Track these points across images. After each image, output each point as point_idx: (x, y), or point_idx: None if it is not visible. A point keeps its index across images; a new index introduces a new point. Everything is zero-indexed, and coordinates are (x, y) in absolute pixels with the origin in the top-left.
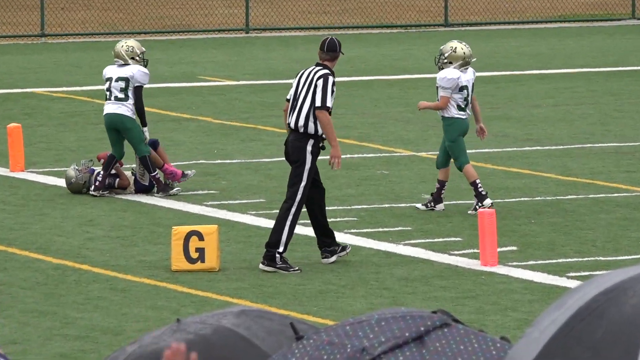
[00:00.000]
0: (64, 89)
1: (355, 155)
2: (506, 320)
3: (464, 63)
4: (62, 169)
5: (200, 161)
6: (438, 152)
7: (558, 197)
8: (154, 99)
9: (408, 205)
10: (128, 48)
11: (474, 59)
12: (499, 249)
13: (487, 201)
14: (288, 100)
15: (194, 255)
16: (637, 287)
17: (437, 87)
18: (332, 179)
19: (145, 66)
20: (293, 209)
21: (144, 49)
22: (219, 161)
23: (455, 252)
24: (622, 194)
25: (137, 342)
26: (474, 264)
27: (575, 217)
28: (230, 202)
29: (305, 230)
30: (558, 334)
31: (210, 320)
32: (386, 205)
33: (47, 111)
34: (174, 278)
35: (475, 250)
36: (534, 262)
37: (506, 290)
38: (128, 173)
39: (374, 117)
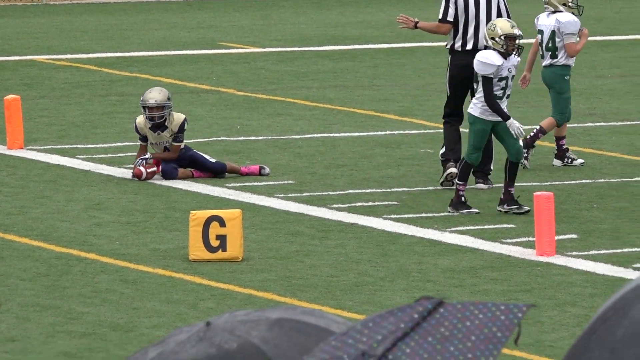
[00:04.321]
0: (68, 56)
1: (396, 132)
2: (564, 317)
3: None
4: (65, 146)
5: (222, 138)
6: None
7: (624, 179)
8: (170, 68)
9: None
10: None
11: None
12: (556, 237)
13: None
14: (449, 22)
15: (215, 243)
16: None
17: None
18: (369, 158)
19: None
20: None
21: None
22: (243, 138)
23: (508, 241)
24: None
25: (161, 345)
26: (529, 254)
27: None
28: (255, 183)
29: (339, 215)
30: (584, 336)
31: (240, 330)
32: (430, 188)
33: (48, 81)
34: (192, 269)
35: (531, 239)
36: (596, 252)
37: (565, 283)
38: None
39: (417, 88)
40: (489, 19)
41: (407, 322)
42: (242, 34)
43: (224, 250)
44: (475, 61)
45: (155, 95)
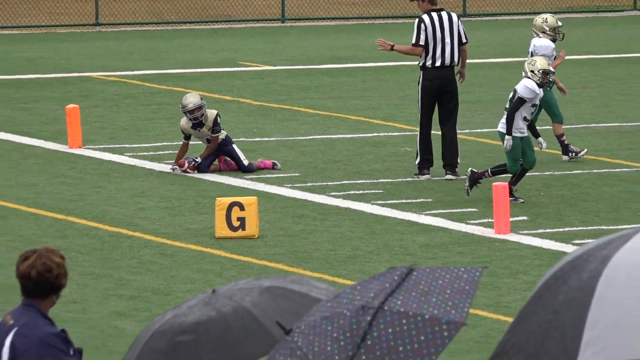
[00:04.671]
0: (117, 73)
1: (382, 134)
2: (517, 283)
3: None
4: (115, 145)
5: (241, 139)
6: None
7: (565, 172)
8: (199, 82)
9: (428, 179)
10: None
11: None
12: (511, 219)
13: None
14: (421, 45)
15: (236, 223)
16: (598, 253)
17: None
18: (360, 155)
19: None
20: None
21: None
22: (258, 139)
23: (472, 222)
24: (623, 169)
25: (177, 309)
26: (489, 232)
27: (581, 190)
28: (268, 176)
29: (336, 201)
30: (531, 300)
31: (237, 296)
32: (409, 179)
33: (102, 93)
34: (218, 244)
35: (490, 220)
36: (543, 231)
37: (517, 256)
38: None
39: (399, 99)
40: (452, 41)
41: (391, 282)
42: (257, 55)
43: (244, 229)
44: (521, 86)
45: (191, 100)
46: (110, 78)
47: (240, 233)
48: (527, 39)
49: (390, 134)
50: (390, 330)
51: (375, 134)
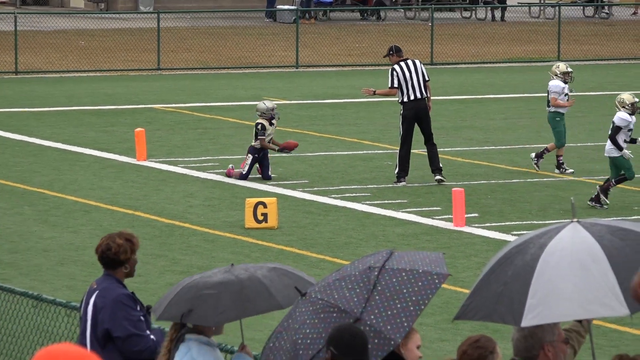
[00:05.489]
0: (173, 105)
1: (370, 152)
2: (470, 263)
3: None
4: (171, 159)
5: None
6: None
7: (506, 181)
8: (234, 112)
9: (404, 185)
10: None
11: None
12: (466, 215)
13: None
14: (395, 87)
15: (260, 217)
16: (537, 241)
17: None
18: (354, 167)
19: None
20: None
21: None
22: (277, 155)
23: (437, 217)
24: (550, 179)
25: (203, 273)
26: (449, 225)
27: (518, 194)
28: (285, 182)
29: (335, 202)
30: (486, 274)
31: (250, 269)
32: (390, 185)
33: (161, 120)
34: (247, 233)
35: (450, 216)
36: (490, 224)
37: (470, 243)
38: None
39: (382, 125)
40: (418, 79)
41: (383, 256)
42: (277, 92)
43: (266, 222)
44: (616, 117)
45: (272, 103)
46: (168, 109)
47: (263, 225)
48: (479, 82)
49: (376, 151)
50: (394, 280)
51: (365, 152)
